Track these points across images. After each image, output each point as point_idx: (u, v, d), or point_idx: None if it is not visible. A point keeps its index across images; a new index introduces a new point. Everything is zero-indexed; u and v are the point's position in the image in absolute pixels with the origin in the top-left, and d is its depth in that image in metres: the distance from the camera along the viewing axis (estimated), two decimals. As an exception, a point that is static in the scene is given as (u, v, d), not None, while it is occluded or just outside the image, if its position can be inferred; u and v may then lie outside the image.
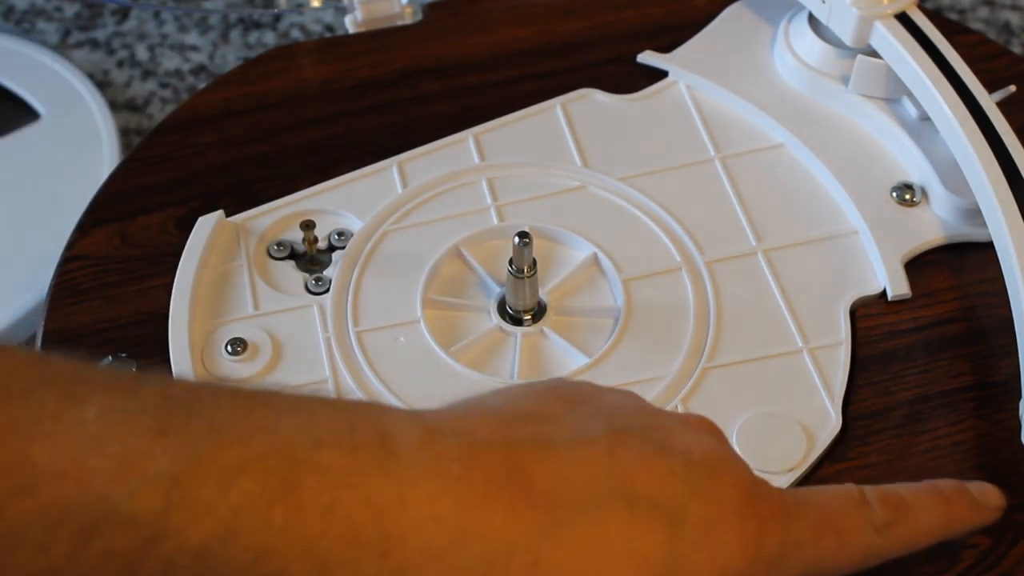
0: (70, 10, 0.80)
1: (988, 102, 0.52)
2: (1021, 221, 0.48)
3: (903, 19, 0.54)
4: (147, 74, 0.78)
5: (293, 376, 0.49)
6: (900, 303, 0.51)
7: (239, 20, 0.79)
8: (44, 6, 0.80)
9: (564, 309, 0.51)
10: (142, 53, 0.78)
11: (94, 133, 0.83)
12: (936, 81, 0.52)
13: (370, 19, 0.62)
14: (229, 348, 0.49)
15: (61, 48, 0.78)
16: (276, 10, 0.71)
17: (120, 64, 0.77)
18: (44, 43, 0.78)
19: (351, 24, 0.62)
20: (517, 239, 0.48)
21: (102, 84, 0.76)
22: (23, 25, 0.80)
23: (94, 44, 0.78)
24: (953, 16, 0.79)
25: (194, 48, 0.78)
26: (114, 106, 0.77)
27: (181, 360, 0.49)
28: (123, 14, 0.80)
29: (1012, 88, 0.55)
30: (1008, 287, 0.47)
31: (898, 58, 0.53)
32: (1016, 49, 0.78)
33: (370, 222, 0.53)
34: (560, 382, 0.38)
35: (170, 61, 0.79)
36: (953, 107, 0.51)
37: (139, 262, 0.53)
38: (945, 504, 0.39)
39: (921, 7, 0.55)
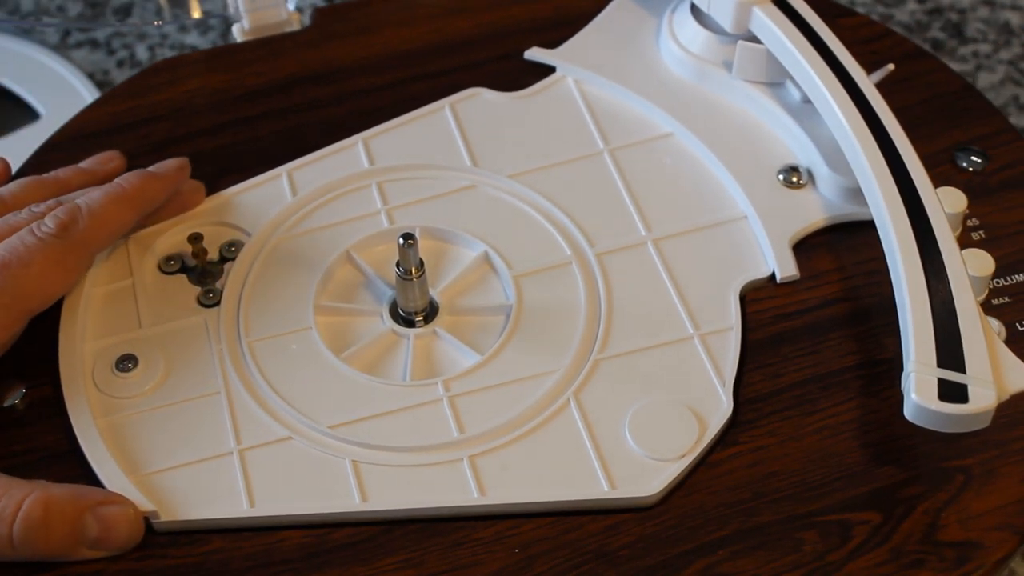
0: (73, 10, 0.79)
1: (866, 83, 0.52)
2: (899, 199, 0.48)
3: (781, 4, 0.54)
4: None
5: (185, 391, 0.49)
6: (789, 286, 0.51)
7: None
8: (47, 5, 0.79)
9: (456, 309, 0.51)
10: (142, 53, 0.77)
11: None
12: (814, 64, 0.53)
13: (257, 27, 0.62)
14: (119, 365, 0.49)
15: (61, 48, 0.77)
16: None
17: (120, 64, 0.76)
18: (44, 43, 0.77)
19: (238, 33, 0.62)
20: (402, 240, 0.48)
21: (102, 84, 0.75)
22: (23, 24, 0.79)
23: (94, 44, 0.77)
24: (953, 16, 0.77)
25: (194, 49, 0.77)
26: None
27: (71, 380, 0.49)
28: (125, 13, 0.79)
29: (890, 67, 0.56)
30: (888, 264, 0.48)
31: (777, 43, 0.54)
32: (1016, 49, 0.76)
33: (260, 232, 0.53)
34: None
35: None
36: (831, 89, 0.52)
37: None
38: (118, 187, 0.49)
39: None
